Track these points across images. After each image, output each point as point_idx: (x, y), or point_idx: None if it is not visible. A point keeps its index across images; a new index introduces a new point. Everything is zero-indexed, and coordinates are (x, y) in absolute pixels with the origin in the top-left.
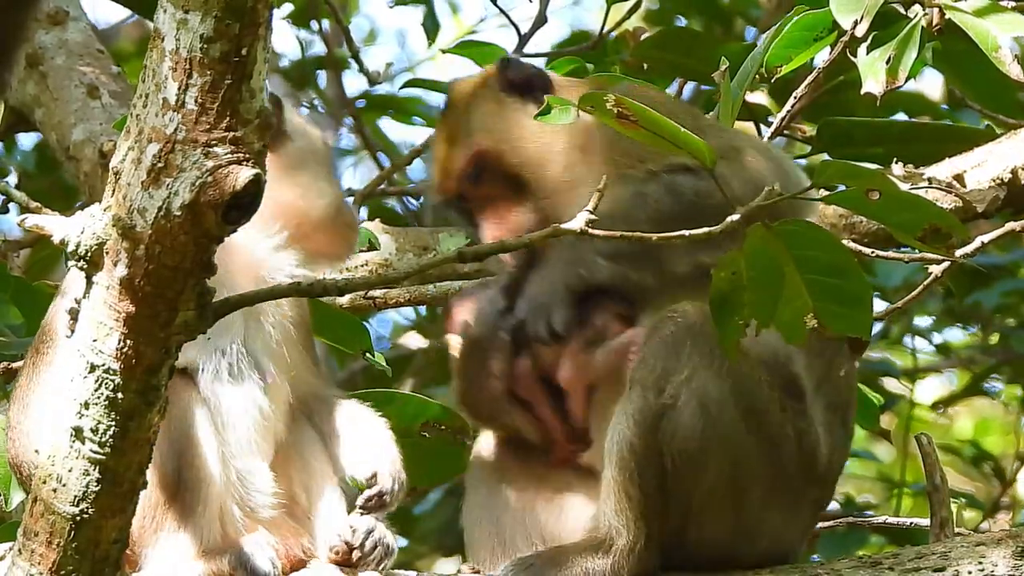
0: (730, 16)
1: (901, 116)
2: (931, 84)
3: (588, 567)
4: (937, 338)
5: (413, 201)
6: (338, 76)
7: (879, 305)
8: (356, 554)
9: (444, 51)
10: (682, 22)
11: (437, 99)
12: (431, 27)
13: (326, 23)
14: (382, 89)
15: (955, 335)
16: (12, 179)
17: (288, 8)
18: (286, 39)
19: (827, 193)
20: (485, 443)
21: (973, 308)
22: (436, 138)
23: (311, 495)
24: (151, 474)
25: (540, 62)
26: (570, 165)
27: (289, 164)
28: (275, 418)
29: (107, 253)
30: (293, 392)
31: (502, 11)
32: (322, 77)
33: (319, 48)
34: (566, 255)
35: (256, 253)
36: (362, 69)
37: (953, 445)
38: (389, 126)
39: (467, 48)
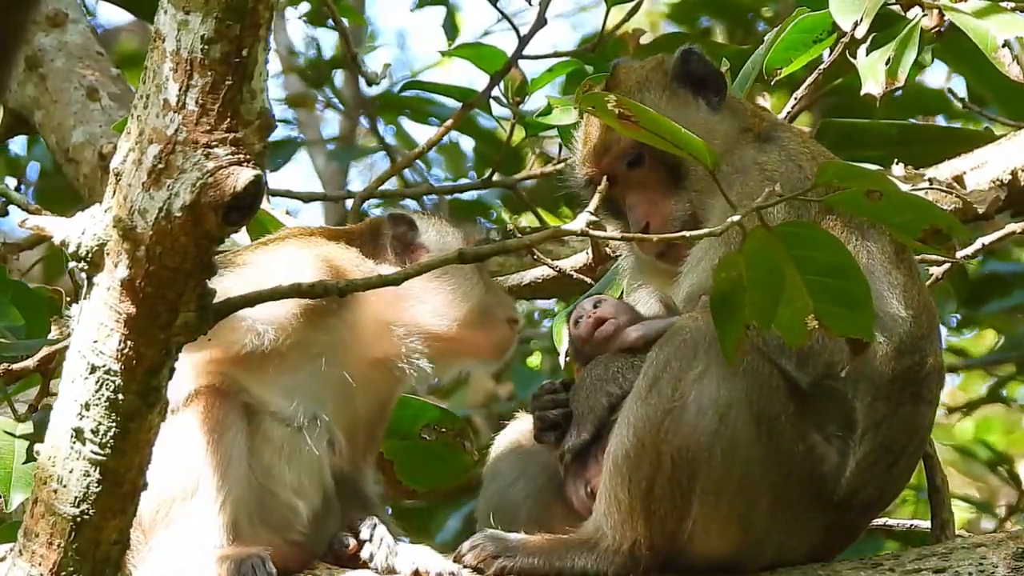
0: (750, 18)
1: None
2: (951, 83)
3: (573, 562)
4: (945, 339)
5: (412, 202)
6: (355, 76)
7: None
8: (367, 548)
9: (444, 54)
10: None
11: (445, 100)
12: (450, 28)
13: (344, 22)
14: (396, 89)
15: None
16: (11, 181)
17: (305, 7)
18: (303, 38)
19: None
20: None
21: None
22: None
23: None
24: (170, 470)
25: (539, 64)
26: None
27: (430, 274)
28: (325, 475)
29: (108, 254)
30: (347, 465)
31: (501, 12)
32: (337, 76)
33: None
34: (599, 373)
35: (389, 335)
36: (360, 71)
37: (965, 446)
38: (409, 125)
39: (466, 50)
